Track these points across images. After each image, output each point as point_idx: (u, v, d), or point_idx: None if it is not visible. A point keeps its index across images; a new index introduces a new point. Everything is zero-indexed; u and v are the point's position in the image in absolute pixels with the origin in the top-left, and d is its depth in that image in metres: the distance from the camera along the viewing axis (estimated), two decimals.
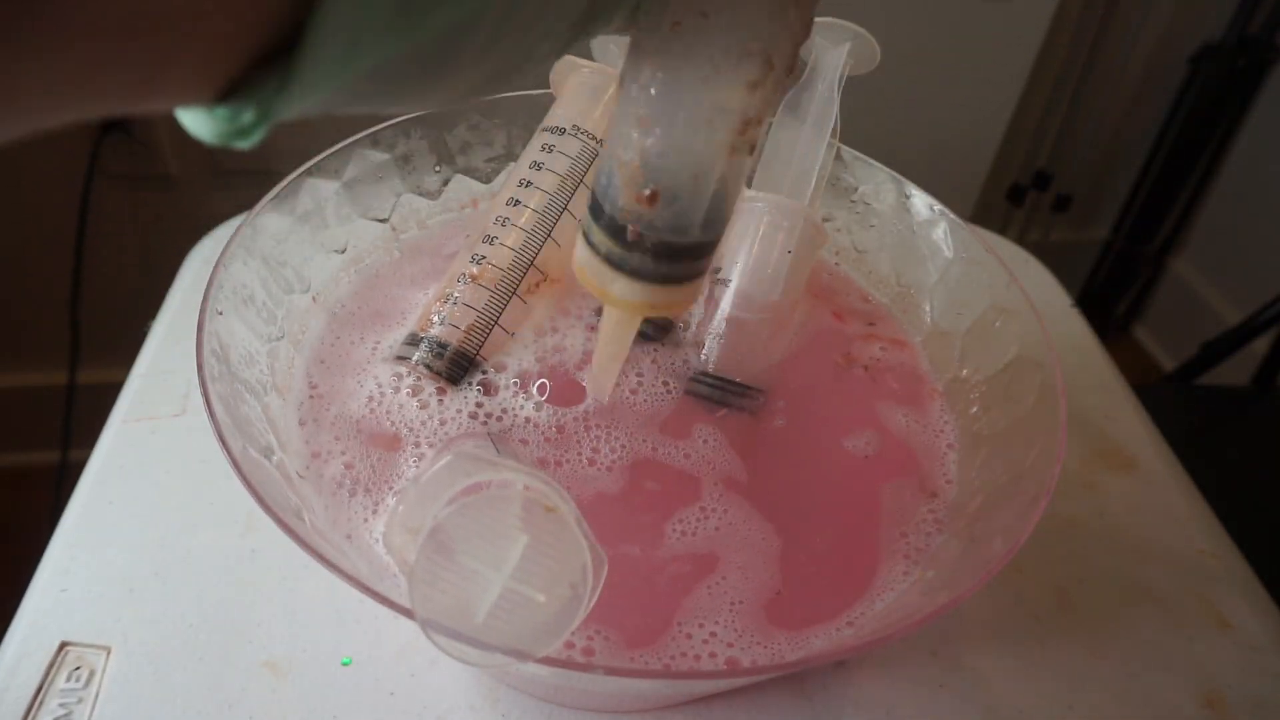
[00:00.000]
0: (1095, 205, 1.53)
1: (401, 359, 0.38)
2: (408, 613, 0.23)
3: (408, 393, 0.38)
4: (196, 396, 0.29)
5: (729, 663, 0.31)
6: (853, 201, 0.47)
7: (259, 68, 0.13)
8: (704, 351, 0.40)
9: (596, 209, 0.25)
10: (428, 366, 0.38)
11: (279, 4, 0.12)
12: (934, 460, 0.39)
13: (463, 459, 0.26)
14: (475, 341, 0.38)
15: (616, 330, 0.30)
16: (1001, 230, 1.42)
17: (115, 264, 1.09)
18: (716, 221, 0.25)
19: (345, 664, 0.36)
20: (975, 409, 0.40)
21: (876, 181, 0.46)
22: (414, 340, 0.38)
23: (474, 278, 0.39)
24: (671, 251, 0.25)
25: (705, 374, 0.39)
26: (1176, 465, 0.49)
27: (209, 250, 0.56)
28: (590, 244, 0.26)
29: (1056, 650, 0.40)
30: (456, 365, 0.38)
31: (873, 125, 1.13)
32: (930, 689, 0.37)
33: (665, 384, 0.39)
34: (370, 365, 0.39)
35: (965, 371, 0.41)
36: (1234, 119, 1.38)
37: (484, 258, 0.39)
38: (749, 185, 0.41)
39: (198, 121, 0.14)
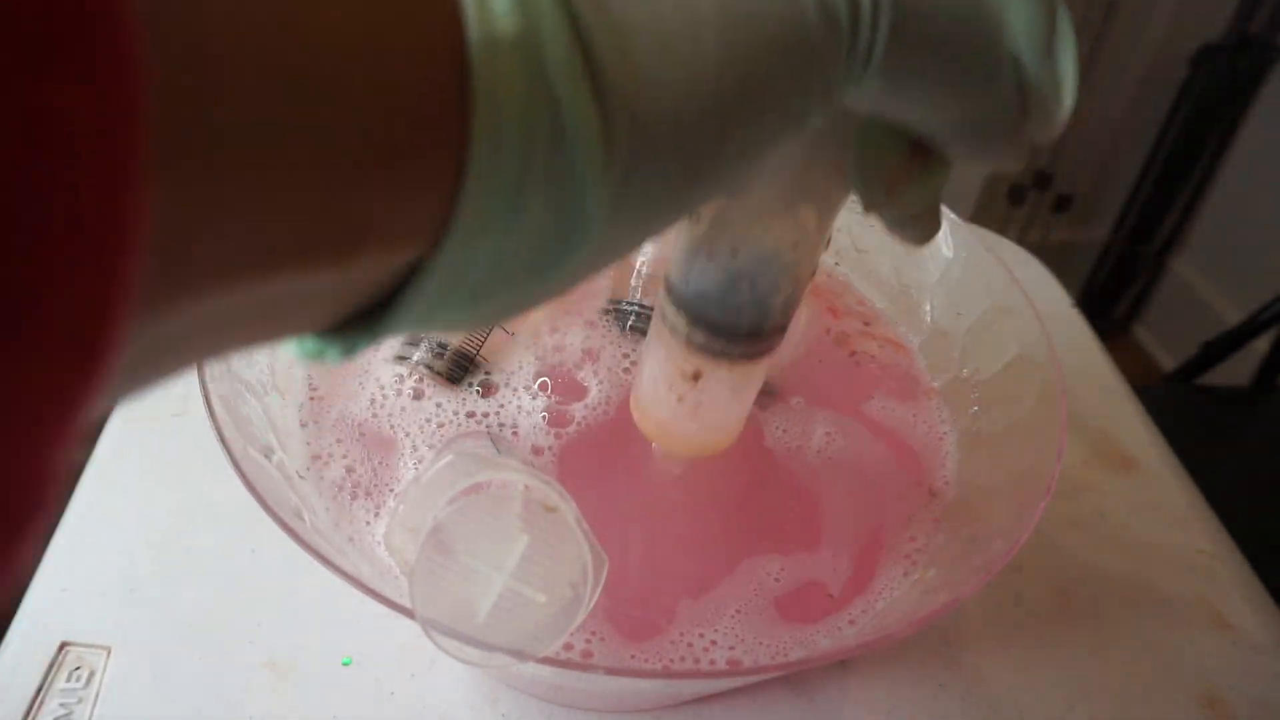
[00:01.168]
0: (1095, 205, 1.53)
1: (401, 359, 0.38)
2: (408, 612, 0.23)
3: (410, 394, 0.38)
4: (196, 396, 0.29)
5: (729, 663, 0.31)
6: (853, 201, 0.47)
7: (350, 320, 0.16)
8: None
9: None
10: (428, 367, 0.38)
11: (366, 296, 0.15)
12: (934, 460, 0.39)
13: (463, 459, 0.26)
14: (475, 342, 0.38)
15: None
16: (1001, 230, 1.42)
17: None
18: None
19: (345, 664, 0.36)
20: (975, 409, 0.40)
21: None
22: (414, 340, 0.38)
23: None
24: None
25: (647, 305, 0.40)
26: (1176, 465, 0.49)
27: None
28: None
29: (1056, 650, 0.40)
30: (457, 365, 0.38)
31: None
32: (930, 689, 0.37)
33: None
34: (371, 366, 0.39)
35: (965, 371, 0.41)
36: (1234, 119, 1.38)
37: None
38: None
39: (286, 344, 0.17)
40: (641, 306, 0.40)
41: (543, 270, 0.15)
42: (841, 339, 0.44)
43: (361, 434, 0.36)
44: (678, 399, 0.28)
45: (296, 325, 0.15)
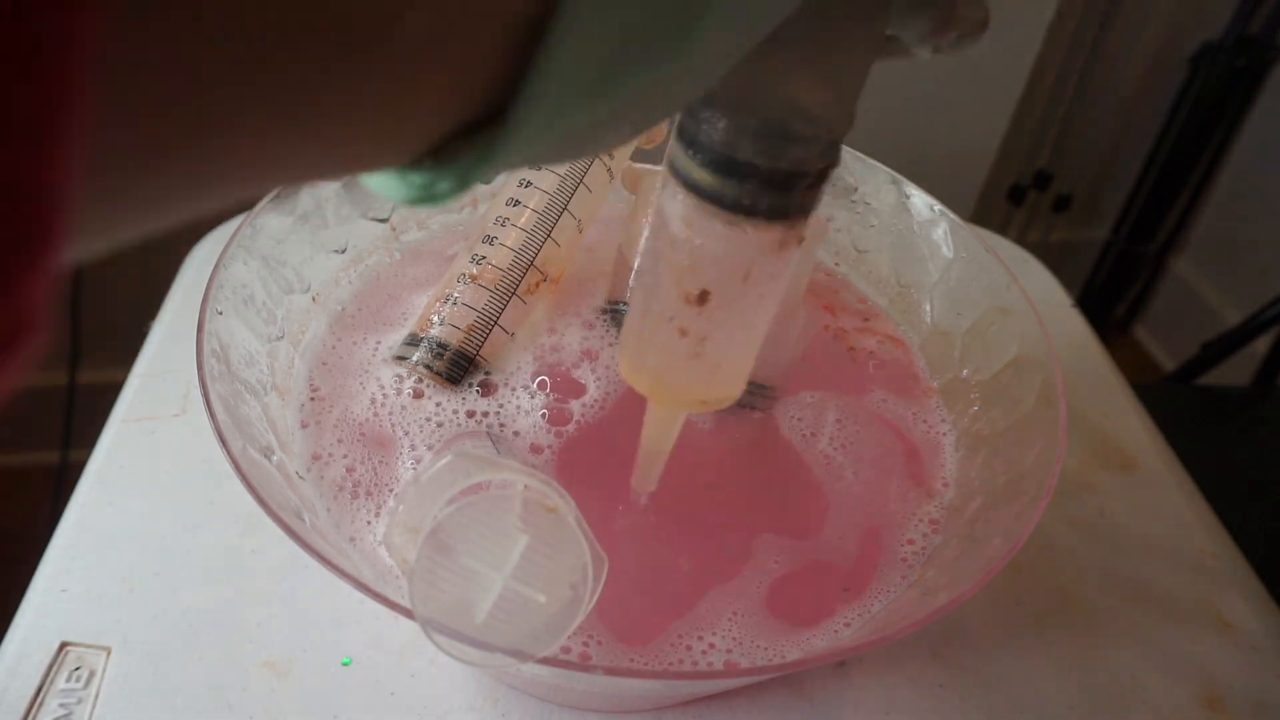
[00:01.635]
0: (1095, 205, 1.53)
1: (401, 359, 0.38)
2: (408, 613, 0.23)
3: (410, 394, 0.38)
4: (196, 396, 0.29)
5: (728, 663, 0.31)
6: (853, 201, 0.47)
7: (459, 138, 0.13)
8: None
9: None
10: (427, 367, 0.38)
11: (494, 74, 0.12)
12: (934, 460, 0.39)
13: (463, 459, 0.26)
14: (475, 342, 0.38)
15: (662, 426, 0.29)
16: (1001, 230, 1.42)
17: (115, 264, 1.09)
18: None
19: (345, 664, 0.36)
20: (975, 409, 0.40)
21: (876, 181, 0.46)
22: (414, 340, 0.38)
23: (474, 278, 0.38)
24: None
25: None
26: (1176, 465, 0.49)
27: (209, 250, 0.56)
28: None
29: (1056, 650, 0.40)
30: (456, 366, 0.38)
31: (873, 125, 1.13)
32: (930, 689, 0.37)
33: None
34: (372, 367, 0.39)
35: (965, 371, 0.41)
36: (1234, 119, 1.38)
37: (484, 258, 0.39)
38: None
39: (386, 184, 0.14)
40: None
41: (675, 37, 0.13)
42: (840, 335, 0.44)
43: (362, 434, 0.36)
44: (679, 332, 0.24)
45: (398, 139, 0.12)
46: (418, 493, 0.26)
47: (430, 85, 0.12)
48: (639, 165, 0.42)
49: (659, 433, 0.29)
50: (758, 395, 0.39)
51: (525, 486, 0.25)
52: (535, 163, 0.14)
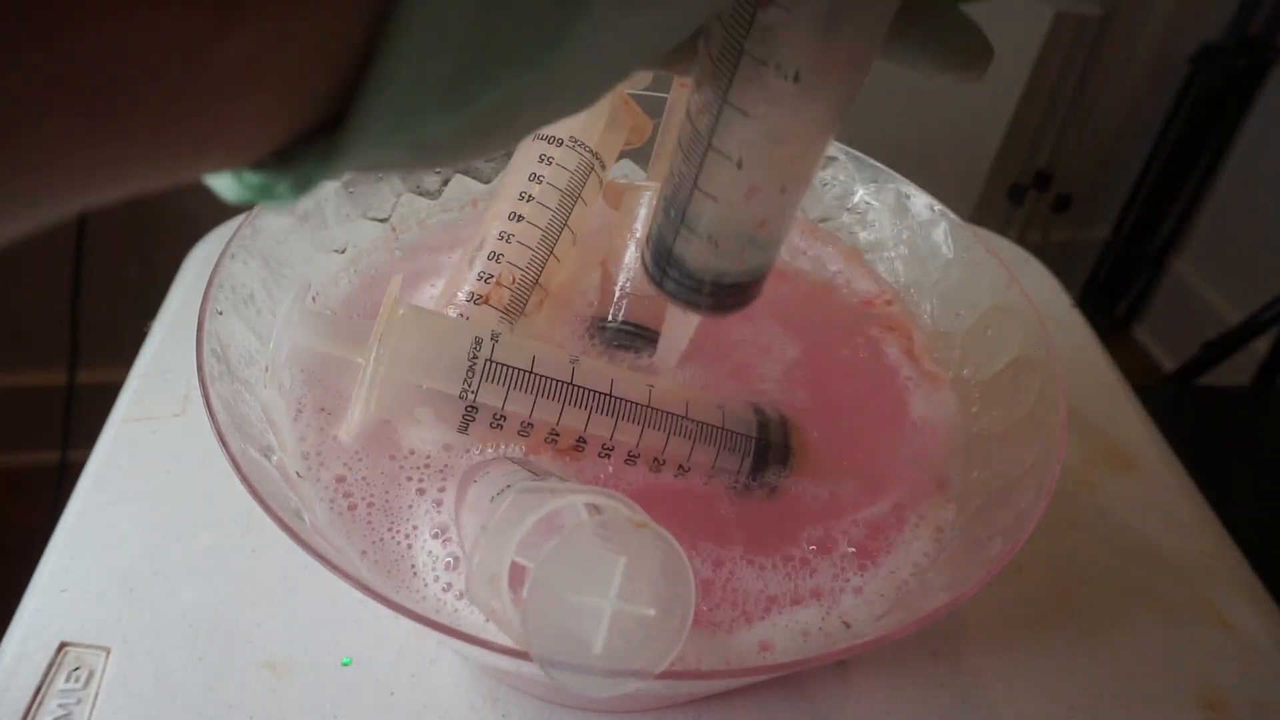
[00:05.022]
0: (1095, 205, 1.53)
1: None
2: (524, 655, 0.23)
3: None
4: (196, 396, 0.29)
5: (729, 664, 0.31)
6: (853, 201, 0.47)
7: (299, 141, 0.13)
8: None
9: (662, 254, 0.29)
10: None
11: (328, 86, 0.12)
12: (934, 461, 0.39)
13: (525, 494, 0.27)
14: None
15: (679, 325, 0.35)
16: (1001, 230, 1.42)
17: (115, 264, 1.09)
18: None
19: (345, 664, 0.36)
20: (975, 409, 0.40)
21: (876, 181, 0.46)
22: None
23: (484, 298, 0.38)
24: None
25: (627, 323, 0.40)
26: (1176, 465, 0.49)
27: (209, 250, 0.56)
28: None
29: (1056, 650, 0.40)
30: None
31: (873, 125, 1.13)
32: (930, 689, 0.37)
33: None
34: None
35: (965, 371, 0.41)
36: (1234, 119, 1.38)
37: (492, 276, 0.39)
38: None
39: (223, 184, 0.14)
40: (624, 324, 0.40)
41: (537, 44, 0.13)
42: (845, 330, 0.44)
43: (362, 436, 0.36)
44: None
45: (221, 139, 0.12)
46: (489, 541, 0.26)
47: (252, 106, 0.12)
48: (621, 180, 0.42)
49: (678, 324, 0.35)
50: (649, 340, 0.40)
51: (597, 507, 0.25)
52: (399, 168, 0.14)
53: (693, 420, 0.34)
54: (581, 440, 0.34)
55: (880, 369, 0.43)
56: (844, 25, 0.22)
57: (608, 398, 0.33)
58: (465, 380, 0.32)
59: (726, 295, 0.29)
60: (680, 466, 0.35)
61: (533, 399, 0.33)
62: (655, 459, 0.34)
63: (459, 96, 0.13)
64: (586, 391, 0.33)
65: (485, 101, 0.13)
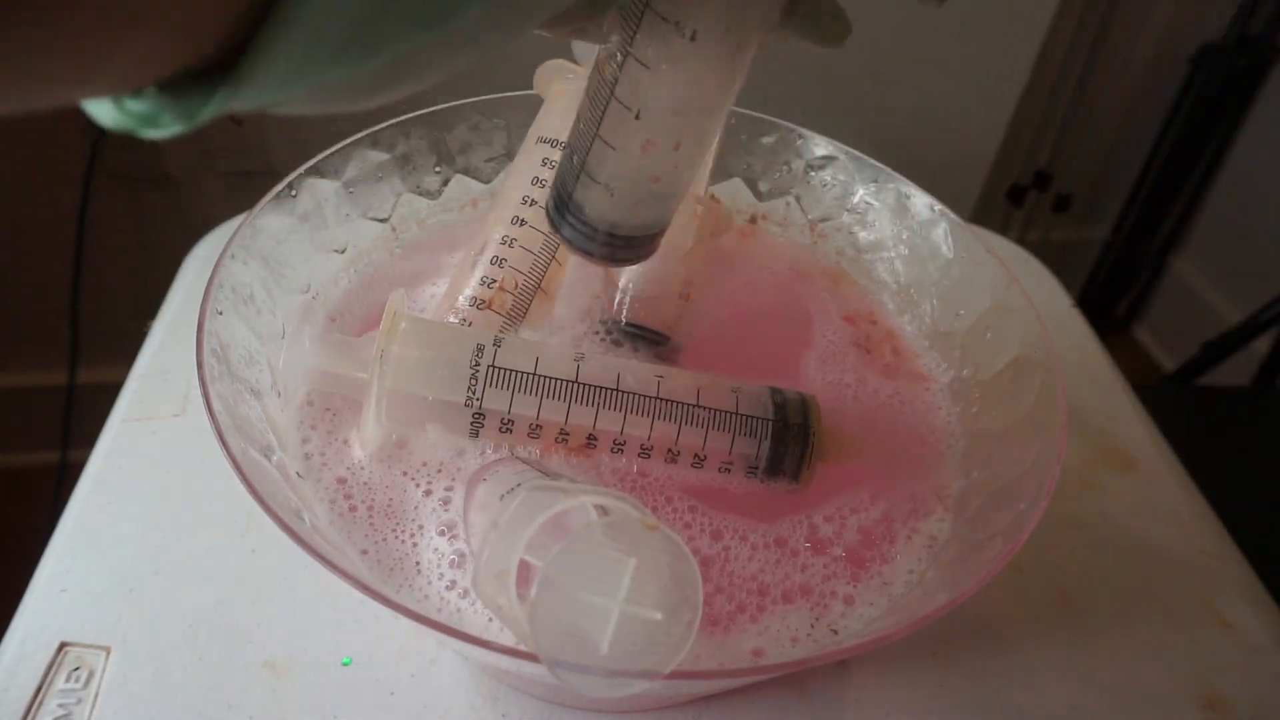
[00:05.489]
0: (1095, 205, 1.53)
1: None
2: (532, 657, 0.23)
3: None
4: (196, 396, 0.29)
5: (728, 664, 0.31)
6: (853, 202, 0.47)
7: (188, 76, 0.12)
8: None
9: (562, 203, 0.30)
10: None
11: (220, 27, 0.12)
12: (935, 460, 0.39)
13: (535, 493, 0.27)
14: None
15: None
16: (1001, 230, 1.42)
17: (115, 264, 1.09)
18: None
19: (345, 664, 0.36)
20: (975, 409, 0.40)
21: (876, 181, 0.46)
22: None
23: (487, 303, 0.38)
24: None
25: (630, 324, 0.41)
26: (1176, 465, 0.49)
27: (209, 250, 0.56)
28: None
29: (1056, 650, 0.40)
30: None
31: (873, 125, 1.13)
32: (930, 689, 0.37)
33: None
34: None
35: (965, 371, 0.41)
36: (1234, 119, 1.38)
37: (494, 281, 0.39)
38: None
39: (100, 109, 0.13)
40: (627, 325, 0.40)
41: (432, 15, 0.13)
42: (846, 329, 0.44)
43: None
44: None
45: (105, 66, 0.11)
46: (499, 536, 0.26)
47: (139, 36, 0.11)
48: (552, 63, 0.41)
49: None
50: (650, 340, 0.40)
51: (607, 508, 0.25)
52: (296, 108, 0.14)
53: (704, 408, 0.34)
54: (592, 437, 0.34)
55: (860, 385, 0.43)
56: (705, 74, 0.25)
57: (614, 392, 0.33)
58: (469, 388, 0.32)
59: (620, 247, 0.31)
60: (696, 456, 0.35)
61: (538, 400, 0.33)
62: (669, 450, 0.34)
63: (357, 51, 0.13)
64: (592, 388, 0.33)
65: (383, 57, 0.13)
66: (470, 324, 0.38)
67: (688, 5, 0.25)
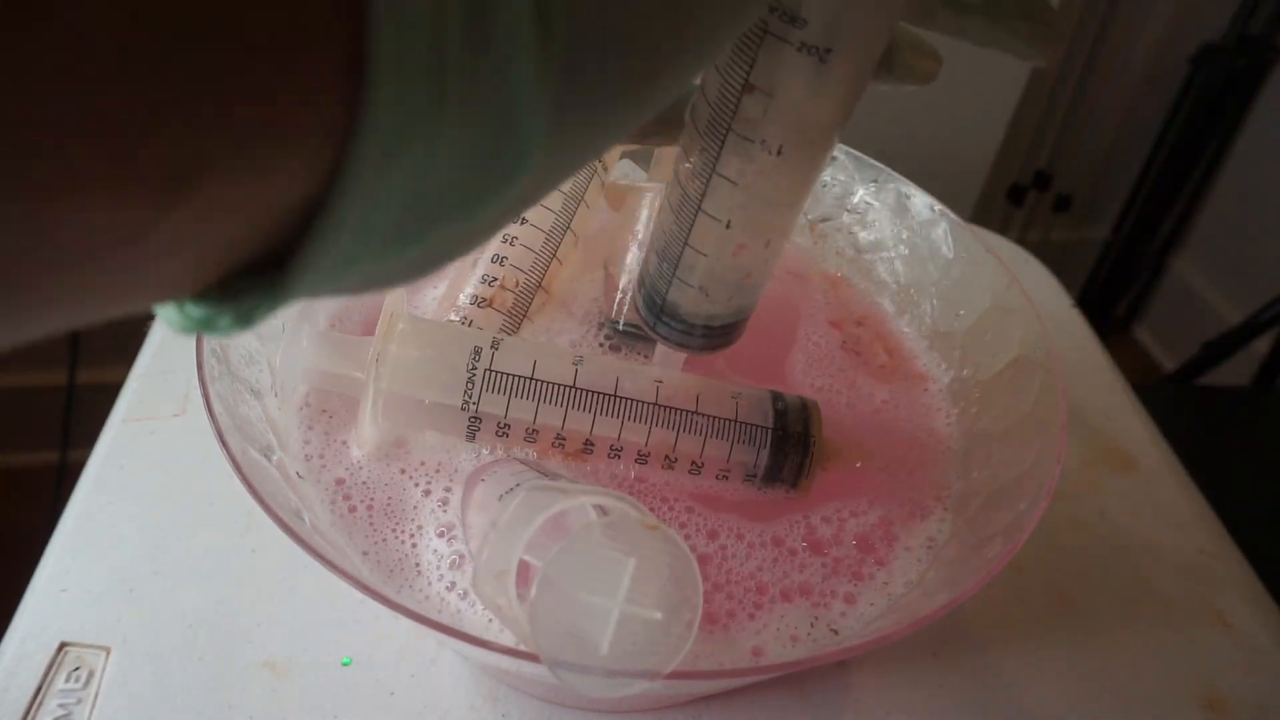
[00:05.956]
0: (1095, 205, 1.53)
1: None
2: (532, 657, 0.23)
3: None
4: (196, 396, 0.29)
5: (728, 664, 0.31)
6: (853, 201, 0.47)
7: (243, 276, 0.13)
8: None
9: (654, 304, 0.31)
10: None
11: (268, 238, 0.12)
12: (934, 460, 0.39)
13: (535, 493, 0.27)
14: None
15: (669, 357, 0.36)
16: (1001, 230, 1.42)
17: None
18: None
19: (345, 664, 0.36)
20: (975, 409, 0.40)
21: (876, 181, 0.46)
22: None
23: (488, 301, 0.38)
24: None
25: (631, 325, 0.40)
26: (1176, 465, 0.49)
27: None
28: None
29: (1056, 650, 0.40)
30: None
31: (873, 125, 1.13)
32: (930, 689, 0.37)
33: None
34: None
35: (965, 371, 0.41)
36: (1234, 119, 1.38)
37: (495, 279, 0.39)
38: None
39: (168, 315, 0.14)
40: (628, 326, 0.40)
41: (477, 199, 0.13)
42: (841, 333, 0.44)
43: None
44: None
45: (157, 278, 0.12)
46: (499, 537, 0.26)
47: (188, 259, 0.12)
48: (623, 182, 0.42)
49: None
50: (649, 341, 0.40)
51: (606, 509, 0.25)
52: (343, 295, 0.14)
53: (703, 415, 0.34)
54: (589, 443, 0.34)
55: (853, 391, 0.43)
56: (821, 104, 0.24)
57: (612, 398, 0.33)
58: (465, 391, 0.32)
59: (716, 336, 0.31)
60: (694, 463, 0.35)
61: (535, 405, 0.33)
62: (666, 456, 0.34)
63: (400, 244, 0.13)
64: (590, 394, 0.33)
65: (425, 245, 0.13)
66: (471, 322, 0.38)
67: (770, 125, 0.24)
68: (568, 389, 0.33)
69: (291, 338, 0.33)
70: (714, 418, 0.34)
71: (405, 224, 0.13)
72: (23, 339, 0.11)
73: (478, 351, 0.33)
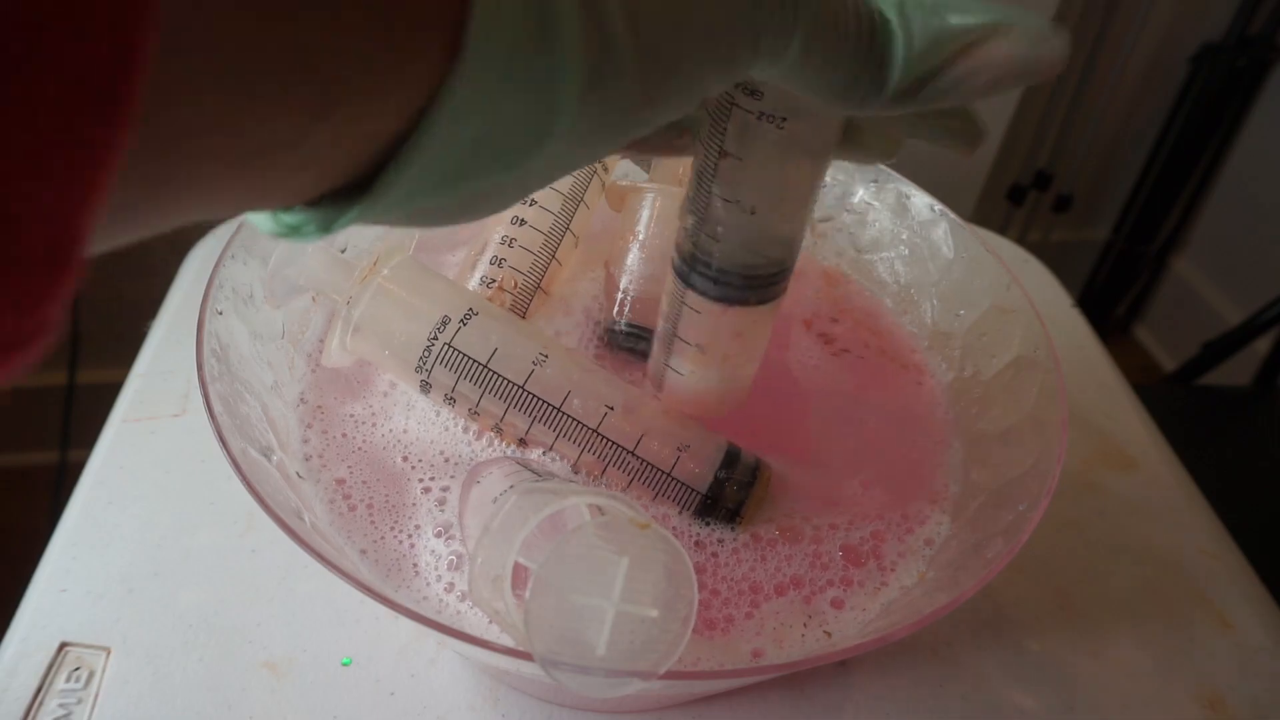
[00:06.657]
0: (1095, 205, 1.53)
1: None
2: (526, 656, 0.23)
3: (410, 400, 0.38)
4: (196, 396, 0.29)
5: (728, 664, 0.31)
6: (853, 201, 0.47)
7: (332, 196, 0.17)
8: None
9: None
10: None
11: (362, 167, 0.16)
12: (934, 461, 0.39)
13: (528, 495, 0.27)
14: None
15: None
16: (1001, 230, 1.42)
17: (115, 264, 1.09)
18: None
19: (345, 664, 0.36)
20: (975, 409, 0.40)
21: (876, 181, 0.46)
22: None
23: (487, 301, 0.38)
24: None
25: (632, 325, 0.40)
26: (1176, 465, 0.49)
27: (209, 250, 0.56)
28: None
29: (1057, 650, 0.40)
30: None
31: None
32: (930, 689, 0.37)
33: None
34: (373, 368, 0.39)
35: (965, 371, 0.41)
36: (1234, 119, 1.38)
37: (494, 281, 0.39)
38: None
39: (262, 220, 0.18)
40: (629, 326, 0.40)
41: (517, 156, 0.17)
42: (829, 337, 0.44)
43: (363, 438, 0.36)
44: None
45: (280, 186, 0.16)
46: (492, 541, 0.26)
47: (306, 177, 0.16)
48: (623, 182, 0.42)
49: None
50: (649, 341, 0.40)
51: (600, 509, 0.25)
52: (393, 224, 0.18)
53: (637, 457, 0.33)
54: (524, 441, 0.35)
55: (842, 395, 0.43)
56: (789, 168, 0.27)
57: (554, 410, 0.33)
58: (421, 358, 0.33)
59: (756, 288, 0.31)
60: (623, 488, 0.34)
61: (480, 392, 0.33)
62: (594, 475, 0.35)
63: (451, 186, 0.17)
64: (533, 398, 0.33)
65: (471, 189, 0.18)
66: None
67: (743, 186, 0.27)
68: (515, 388, 0.33)
69: (293, 247, 0.34)
70: (647, 463, 0.33)
71: (463, 165, 0.17)
72: (177, 224, 0.15)
73: (445, 322, 0.33)
